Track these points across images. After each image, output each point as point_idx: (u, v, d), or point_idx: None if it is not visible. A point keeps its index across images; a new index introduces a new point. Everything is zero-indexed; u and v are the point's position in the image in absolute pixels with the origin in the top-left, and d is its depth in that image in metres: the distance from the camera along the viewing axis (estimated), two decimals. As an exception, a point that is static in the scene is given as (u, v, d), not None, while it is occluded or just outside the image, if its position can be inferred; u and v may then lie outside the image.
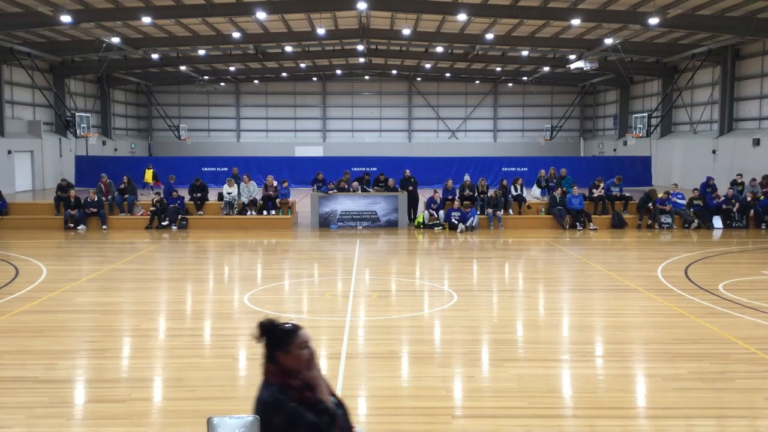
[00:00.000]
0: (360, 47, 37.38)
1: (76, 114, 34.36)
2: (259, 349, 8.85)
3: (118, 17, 27.34)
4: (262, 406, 3.06)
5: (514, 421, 6.30)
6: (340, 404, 3.26)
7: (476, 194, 21.38)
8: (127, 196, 21.41)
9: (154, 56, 37.05)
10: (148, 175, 31.00)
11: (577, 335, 9.33)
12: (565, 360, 8.17)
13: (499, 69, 44.71)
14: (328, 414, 3.10)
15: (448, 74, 47.99)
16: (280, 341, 3.15)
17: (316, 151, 50.19)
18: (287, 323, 3.21)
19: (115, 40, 30.69)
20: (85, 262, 15.68)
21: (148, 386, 7.31)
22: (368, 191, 21.37)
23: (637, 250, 17.60)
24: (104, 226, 20.30)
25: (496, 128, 52.82)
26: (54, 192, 21.93)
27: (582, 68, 37.01)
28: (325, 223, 20.93)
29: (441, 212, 20.61)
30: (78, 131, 34.21)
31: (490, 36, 31.38)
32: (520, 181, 21.90)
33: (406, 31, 31.01)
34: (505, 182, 21.58)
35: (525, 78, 46.67)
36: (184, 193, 21.78)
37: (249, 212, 21.09)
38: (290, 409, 3.01)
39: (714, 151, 33.12)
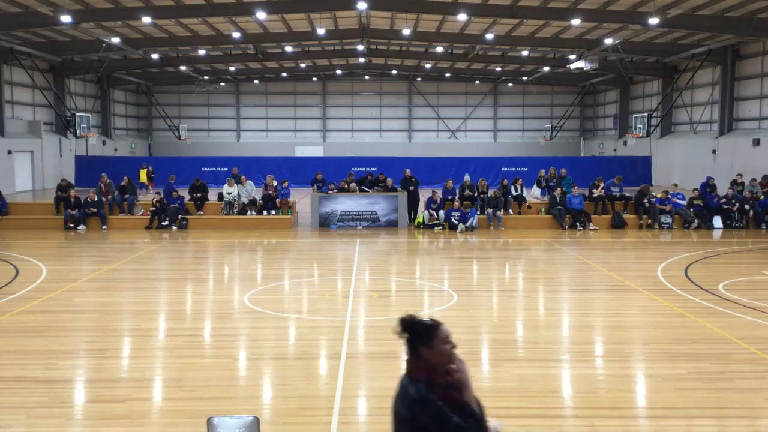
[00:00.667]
0: (360, 47, 37.37)
1: (76, 114, 34.38)
2: (259, 349, 8.81)
3: (118, 17, 27.34)
4: (410, 401, 3.04)
5: (514, 421, 6.30)
6: (478, 406, 3.24)
7: (476, 194, 21.38)
8: (127, 196, 21.42)
9: (154, 56, 37.05)
10: (143, 174, 31.04)
11: (577, 335, 9.33)
12: (565, 360, 8.17)
13: (499, 69, 44.71)
14: (473, 418, 3.08)
15: (448, 74, 47.98)
16: (423, 336, 3.15)
17: (316, 151, 50.18)
18: (429, 318, 3.23)
19: (115, 40, 30.69)
20: (85, 262, 15.68)
21: (148, 386, 7.31)
22: (366, 191, 21.37)
23: (637, 250, 17.60)
24: (104, 226, 20.30)
25: (496, 128, 52.82)
26: (54, 192, 21.94)
27: (582, 68, 37.02)
28: (325, 223, 20.94)
29: (441, 212, 20.62)
30: (78, 131, 34.22)
31: (490, 36, 31.38)
32: (520, 181, 21.91)
33: (406, 31, 31.01)
34: (505, 182, 21.59)
35: (525, 78, 46.67)
36: (184, 193, 21.78)
37: (249, 212, 21.09)
38: (437, 409, 3.01)
39: (714, 151, 33.12)
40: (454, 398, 3.06)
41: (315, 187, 21.89)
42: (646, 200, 20.75)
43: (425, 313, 10.50)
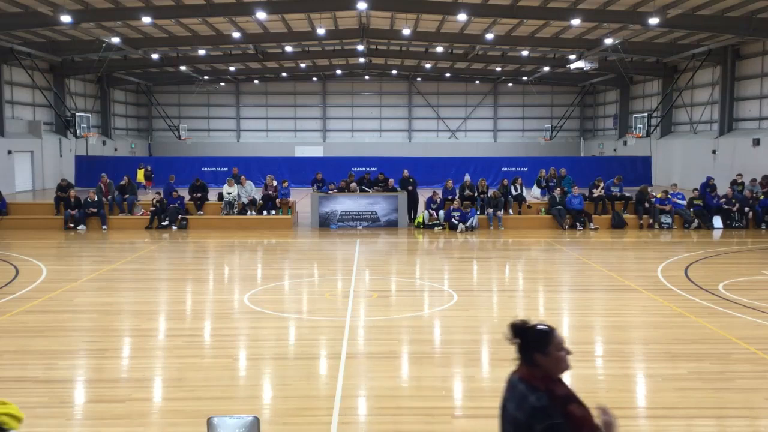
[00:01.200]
0: (360, 47, 37.37)
1: (76, 114, 34.37)
2: (259, 349, 8.77)
3: (118, 17, 27.33)
4: (531, 409, 3.01)
5: (514, 421, 6.29)
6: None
7: (476, 194, 21.38)
8: (127, 196, 21.42)
9: (154, 56, 37.05)
10: (140, 174, 31.04)
11: (577, 335, 9.32)
12: (565, 360, 8.15)
13: (499, 69, 44.70)
14: None
15: (448, 74, 47.97)
16: (537, 343, 3.11)
17: (316, 151, 50.17)
18: (541, 324, 3.19)
19: (115, 40, 30.69)
20: (85, 262, 15.68)
21: (148, 386, 7.31)
22: (367, 191, 21.38)
23: (637, 250, 17.60)
24: (104, 226, 20.30)
25: (496, 128, 52.82)
26: (54, 192, 21.94)
27: (582, 68, 37.00)
28: (325, 223, 20.93)
29: (441, 212, 20.61)
30: (78, 131, 34.21)
31: (490, 36, 31.37)
32: (519, 180, 21.90)
33: (406, 31, 31.01)
34: (505, 182, 21.59)
35: (525, 78, 46.66)
36: (184, 193, 21.78)
37: (249, 212, 21.09)
38: (557, 426, 2.98)
39: (714, 151, 33.12)
40: (573, 413, 3.02)
41: (315, 187, 21.90)
42: (647, 202, 20.71)
43: (425, 314, 10.51)
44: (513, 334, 3.15)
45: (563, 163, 29.50)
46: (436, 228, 20.27)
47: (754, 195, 21.25)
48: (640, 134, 35.97)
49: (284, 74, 48.65)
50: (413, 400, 6.79)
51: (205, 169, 34.12)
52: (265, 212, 21.10)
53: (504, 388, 3.23)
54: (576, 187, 21.06)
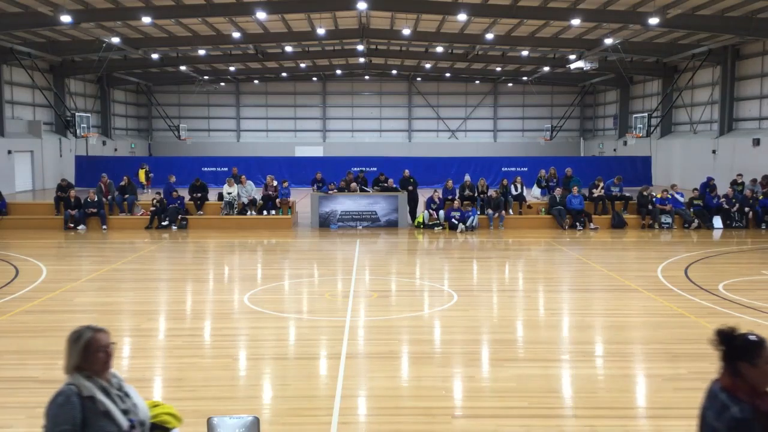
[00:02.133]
0: (360, 47, 37.38)
1: (76, 114, 34.38)
2: (259, 349, 8.74)
3: (118, 17, 27.35)
4: (731, 419, 2.92)
5: (514, 421, 6.30)
6: None
7: (476, 194, 21.39)
8: (127, 196, 21.41)
9: (154, 56, 37.06)
10: (141, 174, 31.08)
11: (577, 335, 9.33)
12: (565, 360, 8.17)
13: (499, 69, 44.71)
14: None
15: (448, 74, 47.98)
16: (744, 352, 3.02)
17: (316, 151, 50.17)
18: (751, 333, 3.08)
19: (115, 40, 30.70)
20: (85, 262, 15.68)
21: (148, 386, 7.31)
22: (367, 191, 21.38)
23: (637, 250, 17.60)
24: (104, 226, 20.30)
25: (496, 128, 52.83)
26: (54, 192, 21.94)
27: (582, 68, 37.01)
28: (325, 223, 20.93)
29: (441, 212, 20.61)
30: (78, 131, 34.22)
31: (490, 36, 31.38)
32: (519, 179, 21.87)
33: (406, 31, 31.01)
34: (505, 182, 21.59)
35: (525, 78, 46.67)
36: (184, 193, 21.77)
37: (249, 212, 21.09)
38: None
39: (714, 151, 33.13)
40: None
41: (315, 187, 21.90)
42: (649, 203, 20.70)
43: (425, 314, 10.50)
44: (719, 341, 3.07)
45: (564, 163, 29.44)
46: (436, 228, 20.26)
47: (754, 195, 21.25)
48: (640, 134, 35.99)
49: (284, 74, 48.66)
50: (413, 400, 6.79)
51: (205, 169, 34.13)
52: (265, 212, 21.09)
53: (704, 397, 3.15)
54: (576, 187, 21.05)
